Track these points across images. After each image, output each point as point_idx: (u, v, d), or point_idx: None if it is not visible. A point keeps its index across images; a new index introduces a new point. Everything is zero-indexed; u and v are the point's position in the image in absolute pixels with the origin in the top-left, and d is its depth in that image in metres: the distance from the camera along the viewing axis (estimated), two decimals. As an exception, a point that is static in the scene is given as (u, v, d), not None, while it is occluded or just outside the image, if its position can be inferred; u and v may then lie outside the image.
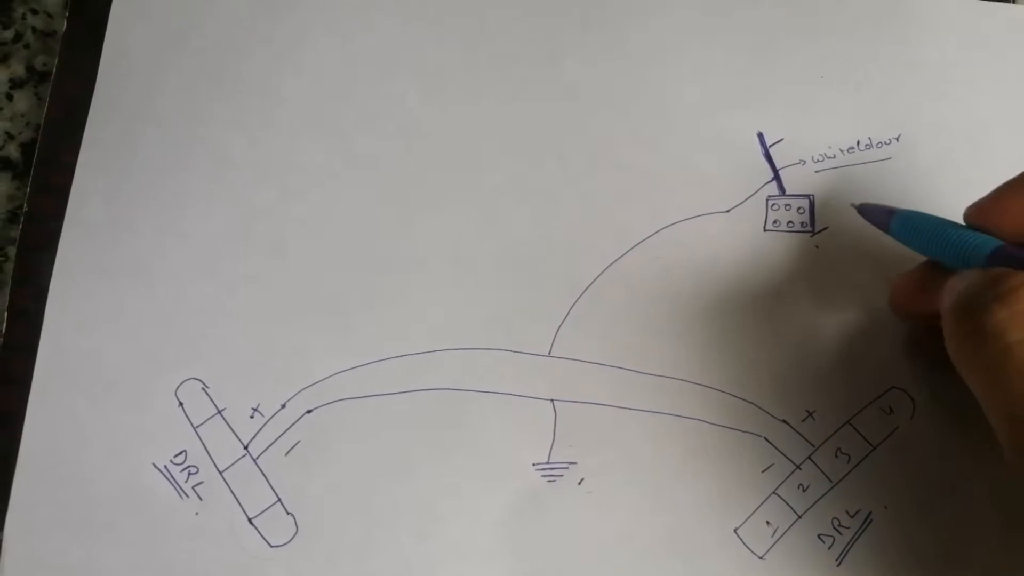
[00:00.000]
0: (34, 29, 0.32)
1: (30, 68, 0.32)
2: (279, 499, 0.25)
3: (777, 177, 0.27)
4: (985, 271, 0.20)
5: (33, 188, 0.28)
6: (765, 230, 0.27)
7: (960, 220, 0.22)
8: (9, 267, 0.28)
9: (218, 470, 0.25)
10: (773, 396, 0.25)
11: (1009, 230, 0.21)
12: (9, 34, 0.31)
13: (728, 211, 0.27)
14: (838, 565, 0.24)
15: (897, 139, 0.27)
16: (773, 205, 0.27)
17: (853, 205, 0.25)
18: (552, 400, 0.25)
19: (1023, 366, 0.18)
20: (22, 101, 0.31)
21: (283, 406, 0.26)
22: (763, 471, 0.25)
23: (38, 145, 0.28)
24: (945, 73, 0.27)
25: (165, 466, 0.25)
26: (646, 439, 0.25)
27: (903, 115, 0.27)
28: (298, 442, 0.25)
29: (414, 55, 0.28)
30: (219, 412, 0.26)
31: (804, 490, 0.24)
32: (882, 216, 0.24)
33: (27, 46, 0.32)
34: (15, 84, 0.31)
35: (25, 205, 0.28)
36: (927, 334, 0.24)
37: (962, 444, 0.25)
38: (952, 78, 0.27)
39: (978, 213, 0.22)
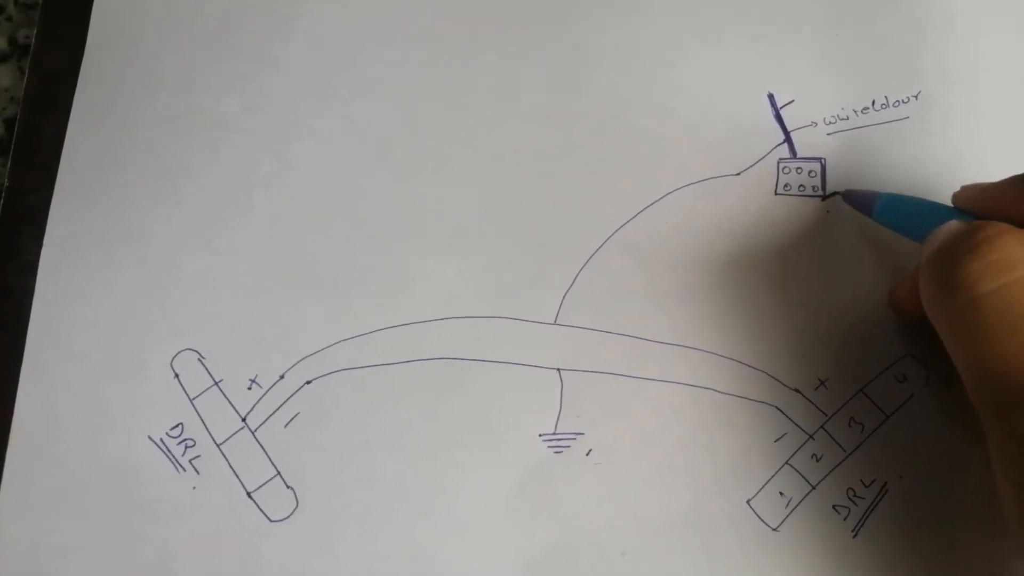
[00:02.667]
0: (16, 2, 0.31)
1: (12, 42, 0.31)
2: (278, 472, 0.24)
3: (788, 140, 0.26)
4: (963, 222, 0.20)
5: (14, 162, 0.27)
6: (776, 194, 0.26)
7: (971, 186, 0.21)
8: (-5, 243, 0.27)
9: (215, 443, 0.25)
10: (785, 364, 0.25)
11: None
12: (-9, 4, 0.30)
13: (738, 174, 0.26)
14: (854, 536, 0.23)
15: (916, 97, 0.26)
16: (784, 168, 0.26)
17: (838, 193, 0.24)
18: (558, 369, 0.25)
19: (991, 319, 0.18)
20: (5, 76, 0.30)
21: (281, 377, 0.25)
22: (775, 441, 0.24)
23: (18, 118, 0.27)
24: (969, 25, 0.27)
25: (161, 439, 0.25)
26: (655, 409, 0.24)
27: (923, 71, 0.26)
28: (297, 414, 0.25)
29: (414, 19, 0.28)
30: (216, 383, 0.25)
31: (818, 460, 0.24)
32: (866, 201, 0.24)
33: (9, 19, 0.31)
34: (-2, 57, 0.31)
35: (6, 179, 0.27)
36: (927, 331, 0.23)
37: (976, 411, 0.24)
38: (977, 30, 0.26)
39: (965, 200, 0.21)
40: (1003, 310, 0.17)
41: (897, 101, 0.26)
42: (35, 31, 0.28)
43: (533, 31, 0.27)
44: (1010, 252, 0.18)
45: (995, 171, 0.21)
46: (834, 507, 0.24)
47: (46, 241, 0.26)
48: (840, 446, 0.24)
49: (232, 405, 0.25)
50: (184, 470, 0.24)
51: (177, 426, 0.25)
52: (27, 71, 0.28)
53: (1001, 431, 0.18)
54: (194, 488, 0.24)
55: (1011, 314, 0.17)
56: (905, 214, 0.22)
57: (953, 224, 0.20)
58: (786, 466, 0.24)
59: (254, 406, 0.25)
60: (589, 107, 0.27)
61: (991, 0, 0.27)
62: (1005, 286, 0.18)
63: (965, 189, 0.22)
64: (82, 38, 0.28)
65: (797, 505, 0.24)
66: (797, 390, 0.24)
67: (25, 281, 0.26)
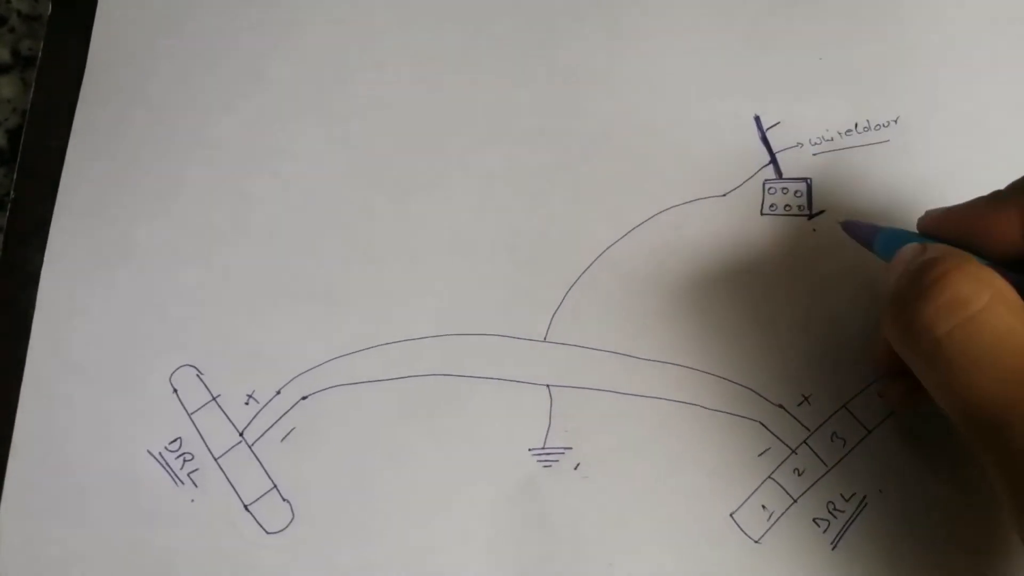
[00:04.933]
0: (19, 13, 0.32)
1: (15, 53, 0.31)
2: (275, 486, 0.25)
3: (774, 160, 0.27)
4: (914, 258, 0.19)
5: (20, 174, 0.28)
6: (762, 214, 0.26)
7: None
8: (-3, 255, 0.27)
9: (213, 457, 0.25)
10: (769, 381, 0.25)
11: (992, 247, 0.20)
12: (-6, 18, 0.31)
13: (724, 195, 0.27)
14: (833, 548, 0.24)
15: (895, 121, 0.27)
16: (770, 189, 0.27)
17: (838, 222, 0.25)
18: (548, 385, 0.25)
19: (956, 358, 0.18)
20: (8, 87, 0.31)
21: (278, 392, 0.25)
22: (759, 455, 0.25)
23: (24, 131, 0.28)
24: (943, 55, 0.27)
25: (160, 453, 0.25)
26: (642, 424, 0.25)
27: (901, 97, 0.27)
28: (293, 428, 0.25)
29: (408, 39, 0.28)
30: (214, 399, 0.25)
31: (800, 474, 0.24)
32: (867, 233, 0.23)
33: (12, 30, 0.31)
34: (1, 70, 0.31)
35: (12, 191, 0.28)
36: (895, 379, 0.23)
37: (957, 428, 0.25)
38: (950, 60, 0.27)
39: (942, 223, 0.21)
40: (964, 348, 0.18)
41: (878, 125, 0.27)
42: (41, 45, 0.29)
43: (524, 54, 0.28)
44: (959, 290, 0.18)
45: (970, 193, 0.22)
46: (815, 520, 0.24)
47: (47, 255, 0.27)
48: (822, 460, 0.25)
49: (230, 420, 0.25)
50: (183, 483, 0.25)
51: (176, 440, 0.25)
52: (33, 85, 0.28)
53: (996, 455, 0.18)
54: (192, 501, 0.25)
55: (973, 350, 0.18)
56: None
57: (902, 260, 0.20)
58: (769, 480, 0.25)
59: (251, 421, 0.25)
60: (578, 129, 0.27)
61: (964, 31, 0.27)
62: (959, 326, 0.18)
63: (929, 214, 0.22)
64: (86, 54, 0.28)
65: (779, 518, 0.24)
66: (781, 406, 0.25)
67: (28, 292, 0.27)
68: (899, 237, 0.22)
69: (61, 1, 0.29)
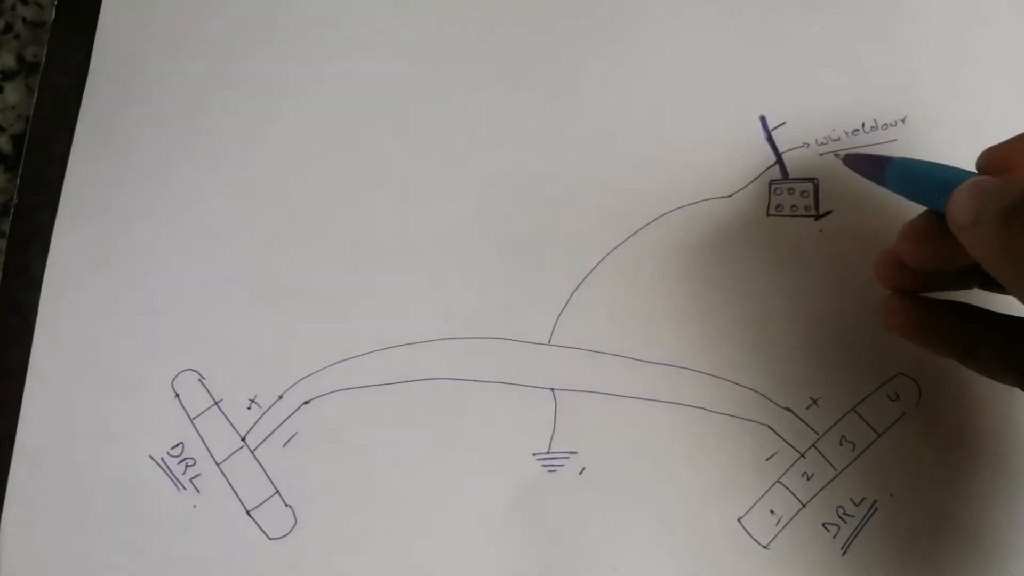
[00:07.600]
0: (24, 20, 0.32)
1: (20, 59, 0.31)
2: (277, 491, 0.25)
3: (780, 161, 0.27)
4: (1004, 185, 0.18)
5: (23, 179, 0.28)
6: (768, 215, 0.26)
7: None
8: None
9: (215, 462, 0.25)
10: (776, 383, 0.25)
11: None
12: (-1, 24, 0.31)
13: (730, 196, 0.26)
14: (843, 554, 0.24)
15: (903, 121, 0.27)
16: (776, 189, 0.26)
17: (837, 156, 0.24)
18: (552, 389, 0.25)
19: None
20: (13, 93, 0.31)
21: (280, 397, 0.25)
22: (767, 459, 0.24)
23: (27, 136, 0.28)
24: (950, 53, 0.27)
25: (162, 458, 0.25)
26: (648, 428, 0.25)
27: (908, 97, 0.27)
28: (296, 433, 0.25)
29: (413, 44, 0.28)
30: (216, 403, 0.25)
31: (808, 478, 0.24)
32: (874, 167, 0.22)
33: (17, 37, 0.32)
34: (6, 75, 0.31)
35: (15, 196, 0.28)
36: (909, 306, 0.22)
37: (968, 431, 0.24)
38: (957, 59, 0.27)
39: (994, 160, 0.20)
40: None
41: (885, 124, 0.27)
42: (44, 52, 0.29)
43: (527, 56, 0.28)
44: None
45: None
46: (824, 525, 0.24)
47: (50, 259, 0.27)
48: (831, 464, 0.24)
49: (232, 424, 0.25)
50: (185, 488, 0.25)
51: (178, 445, 0.25)
52: (36, 91, 0.28)
53: None
54: (194, 506, 0.25)
55: None
56: (921, 178, 0.21)
57: (990, 182, 0.18)
58: (777, 484, 0.24)
59: (253, 425, 0.25)
60: (582, 130, 0.27)
61: (971, 30, 0.27)
62: None
63: (991, 151, 0.20)
64: (89, 59, 0.29)
65: (788, 523, 0.24)
66: (789, 409, 0.25)
67: (32, 296, 0.27)
68: (915, 168, 0.21)
69: (64, 7, 0.29)
